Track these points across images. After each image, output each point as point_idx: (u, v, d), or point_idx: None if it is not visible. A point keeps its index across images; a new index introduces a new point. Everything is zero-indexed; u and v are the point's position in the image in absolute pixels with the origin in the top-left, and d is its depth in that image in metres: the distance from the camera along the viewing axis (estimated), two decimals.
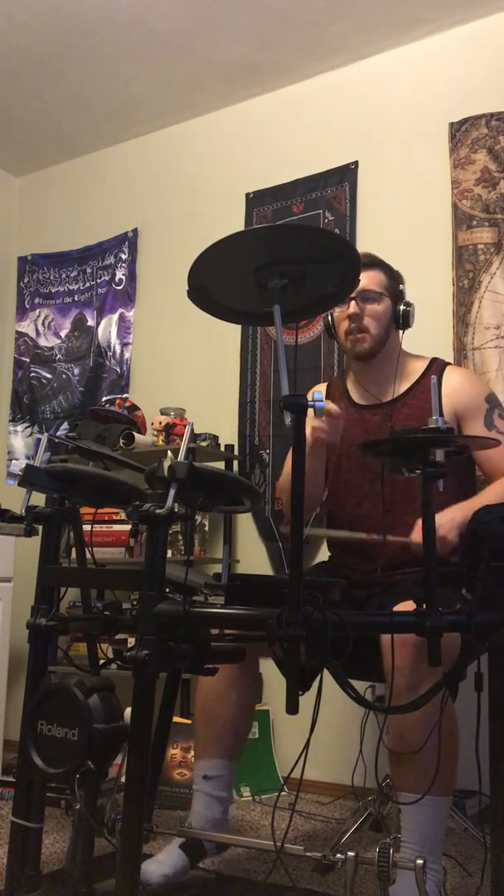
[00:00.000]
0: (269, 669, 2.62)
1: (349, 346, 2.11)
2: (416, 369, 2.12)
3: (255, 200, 3.29)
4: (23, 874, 1.59)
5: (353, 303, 2.05)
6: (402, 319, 2.09)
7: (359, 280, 1.58)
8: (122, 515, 2.98)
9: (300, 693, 1.26)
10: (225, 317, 1.56)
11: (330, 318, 2.16)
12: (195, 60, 3.16)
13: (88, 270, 3.74)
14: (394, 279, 2.13)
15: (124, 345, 3.57)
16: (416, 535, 1.76)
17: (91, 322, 3.69)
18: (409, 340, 2.18)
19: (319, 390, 1.81)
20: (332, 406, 1.95)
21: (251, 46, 3.07)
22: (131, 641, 2.69)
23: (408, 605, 1.48)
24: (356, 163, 3.06)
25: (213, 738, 1.89)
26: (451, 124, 2.86)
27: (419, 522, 1.75)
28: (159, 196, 3.58)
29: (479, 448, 1.87)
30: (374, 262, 2.11)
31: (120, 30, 3.00)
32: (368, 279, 2.05)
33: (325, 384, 2.32)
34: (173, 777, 2.55)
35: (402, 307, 2.09)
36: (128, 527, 2.98)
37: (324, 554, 2.35)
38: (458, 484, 1.98)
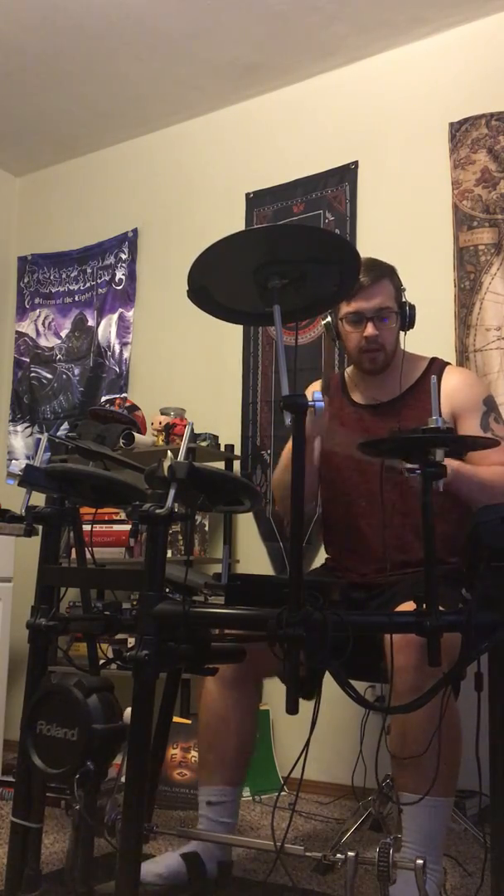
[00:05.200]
0: None
1: (365, 365, 2.07)
2: (417, 369, 2.11)
3: (255, 200, 3.29)
4: (23, 874, 1.59)
5: (370, 325, 2.00)
6: (407, 321, 2.06)
7: (358, 281, 1.58)
8: (122, 515, 2.98)
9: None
10: (225, 317, 1.55)
11: (335, 322, 2.08)
12: (195, 60, 3.16)
13: (88, 270, 3.74)
14: (399, 283, 2.08)
15: (123, 344, 3.57)
16: None
17: (91, 322, 3.69)
18: (411, 342, 2.16)
19: (317, 389, 1.80)
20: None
21: (251, 46, 3.07)
22: (131, 641, 2.69)
23: (409, 606, 1.48)
24: (356, 163, 3.06)
25: (216, 766, 1.87)
26: (451, 124, 2.86)
27: None
28: (159, 196, 3.58)
29: (479, 448, 1.87)
30: (384, 272, 2.04)
31: (120, 30, 3.00)
32: (383, 296, 2.00)
33: (320, 381, 2.29)
34: (173, 777, 2.55)
35: (407, 310, 2.05)
36: (128, 527, 2.98)
37: (321, 558, 2.34)
38: None
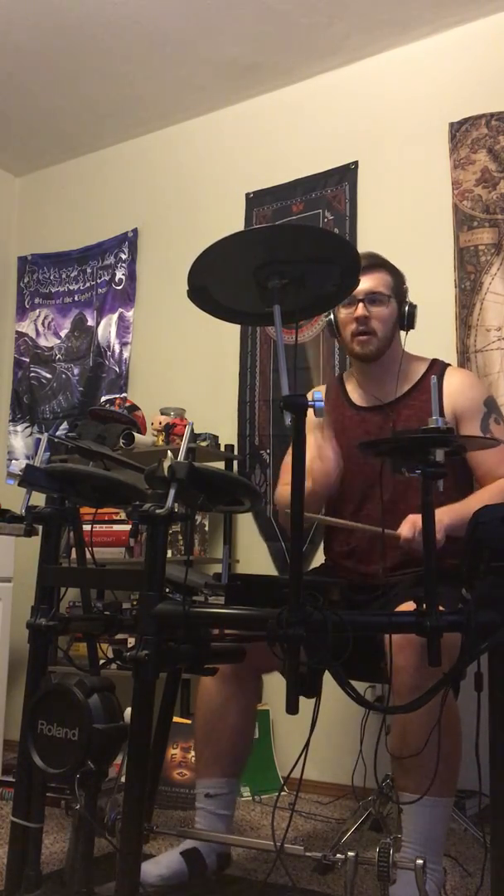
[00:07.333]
0: None
1: (356, 349, 2.08)
2: (417, 370, 2.12)
3: (255, 200, 3.29)
4: (23, 874, 1.59)
5: (360, 305, 2.03)
6: (406, 320, 2.09)
7: (358, 281, 1.58)
8: (122, 515, 2.98)
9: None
10: (225, 317, 1.55)
11: (333, 317, 2.13)
12: (195, 60, 3.16)
13: (88, 270, 3.74)
14: (398, 280, 2.11)
15: (123, 344, 3.57)
16: (404, 529, 1.79)
17: (91, 322, 3.69)
18: (412, 342, 2.17)
19: (319, 390, 1.79)
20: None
21: (251, 46, 3.07)
22: (131, 641, 2.69)
23: (409, 606, 1.48)
24: (356, 163, 3.06)
25: (214, 757, 1.87)
26: (451, 124, 2.86)
27: (407, 518, 1.79)
28: (159, 196, 3.58)
29: (479, 448, 1.87)
30: (380, 263, 2.09)
31: (120, 30, 3.00)
32: (376, 281, 2.04)
33: (325, 386, 2.31)
34: (173, 777, 2.55)
35: (406, 308, 2.08)
36: (128, 527, 2.98)
37: (320, 558, 2.34)
38: (455, 484, 1.98)
